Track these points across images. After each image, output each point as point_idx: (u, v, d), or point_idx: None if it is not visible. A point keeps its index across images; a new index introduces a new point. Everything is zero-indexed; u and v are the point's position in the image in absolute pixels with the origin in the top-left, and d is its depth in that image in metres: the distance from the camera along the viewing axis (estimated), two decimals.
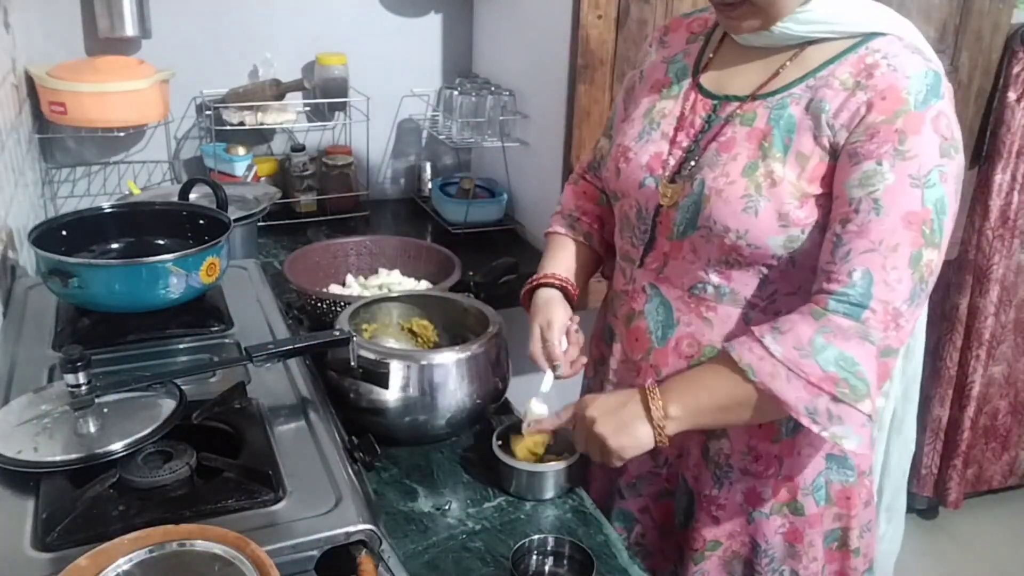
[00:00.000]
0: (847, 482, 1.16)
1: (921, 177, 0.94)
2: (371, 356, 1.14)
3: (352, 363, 1.12)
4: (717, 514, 1.17)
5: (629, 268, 1.17)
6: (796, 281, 1.04)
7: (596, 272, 1.30)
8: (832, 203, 0.98)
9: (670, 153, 1.10)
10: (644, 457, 1.12)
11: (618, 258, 1.22)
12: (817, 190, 0.99)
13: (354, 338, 1.11)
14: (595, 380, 1.30)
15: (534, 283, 1.24)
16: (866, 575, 1.22)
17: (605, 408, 1.04)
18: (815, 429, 0.95)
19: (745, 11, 1.02)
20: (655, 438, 1.01)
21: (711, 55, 1.13)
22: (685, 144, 1.09)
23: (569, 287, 1.23)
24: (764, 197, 1.00)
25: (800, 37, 1.02)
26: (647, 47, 1.24)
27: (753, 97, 1.05)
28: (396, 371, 1.14)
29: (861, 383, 0.94)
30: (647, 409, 1.01)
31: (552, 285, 1.22)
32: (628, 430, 1.02)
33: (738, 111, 1.06)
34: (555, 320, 1.18)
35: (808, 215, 0.99)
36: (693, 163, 1.07)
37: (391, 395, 1.15)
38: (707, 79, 1.12)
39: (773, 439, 1.12)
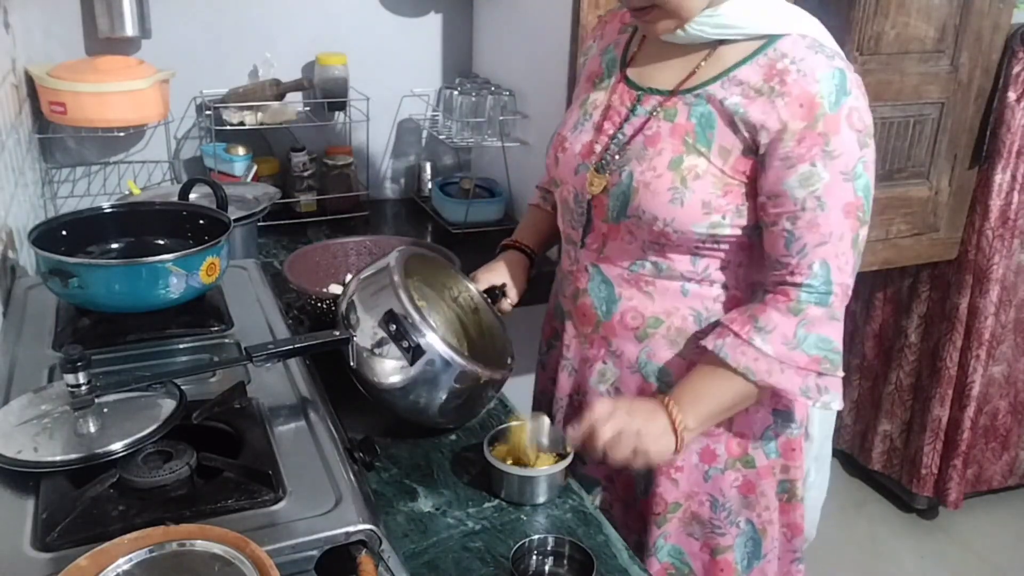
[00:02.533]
0: (792, 435, 1.26)
1: (850, 172, 1.06)
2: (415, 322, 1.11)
3: (352, 363, 1.11)
4: (676, 476, 1.24)
5: (572, 249, 1.27)
6: (726, 257, 1.16)
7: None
8: (768, 199, 1.08)
9: (596, 141, 1.20)
10: None
11: (563, 240, 1.32)
12: (737, 180, 1.10)
13: (354, 339, 1.11)
14: (550, 354, 1.40)
15: (504, 244, 1.44)
16: (802, 517, 1.33)
17: (633, 413, 1.10)
18: (809, 404, 1.11)
19: (657, 14, 1.10)
20: (676, 447, 1.11)
21: (636, 48, 1.22)
22: (611, 132, 1.18)
23: (527, 250, 1.43)
24: (689, 189, 1.10)
25: (712, 37, 1.10)
26: (590, 41, 1.33)
27: (673, 92, 1.14)
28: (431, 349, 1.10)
29: (836, 355, 1.10)
30: (672, 422, 1.10)
31: (516, 248, 1.43)
32: (661, 440, 1.10)
33: (660, 107, 1.14)
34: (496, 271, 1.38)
35: (730, 202, 1.10)
36: (618, 155, 1.16)
37: (407, 372, 1.10)
38: (633, 71, 1.21)
39: None
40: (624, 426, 1.08)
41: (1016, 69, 2.11)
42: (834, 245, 1.07)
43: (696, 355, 1.17)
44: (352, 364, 1.12)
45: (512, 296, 1.36)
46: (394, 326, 1.09)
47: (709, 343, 1.12)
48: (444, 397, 1.13)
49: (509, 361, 1.26)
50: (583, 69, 1.31)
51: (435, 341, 1.09)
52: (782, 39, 1.08)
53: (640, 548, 1.27)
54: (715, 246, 1.14)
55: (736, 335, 1.09)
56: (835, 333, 1.09)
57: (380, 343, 1.11)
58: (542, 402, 1.45)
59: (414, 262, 1.25)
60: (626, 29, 1.25)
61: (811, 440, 1.33)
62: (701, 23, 1.08)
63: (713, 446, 1.22)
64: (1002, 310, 2.39)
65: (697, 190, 1.09)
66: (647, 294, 1.19)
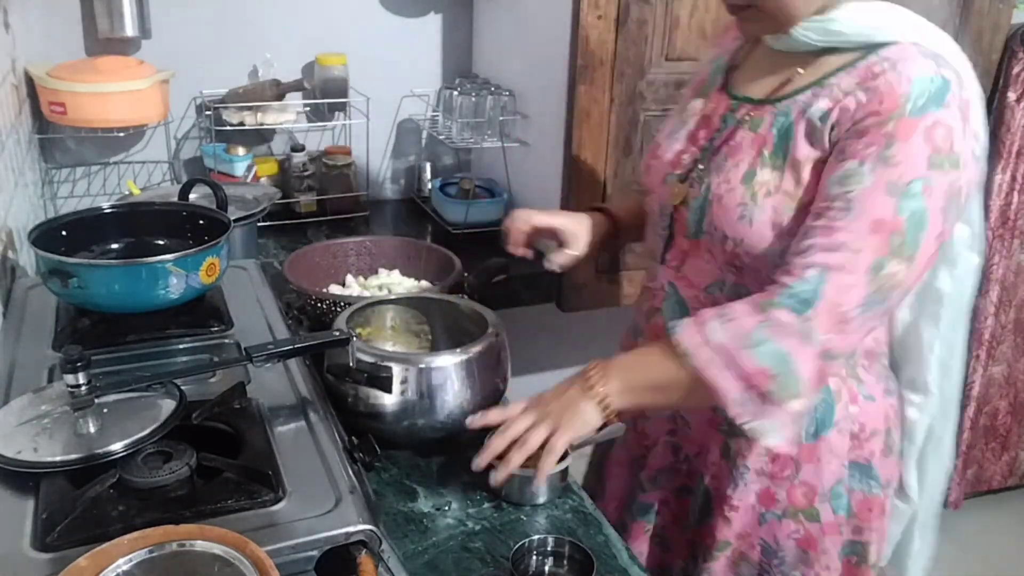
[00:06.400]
0: (870, 492, 1.14)
1: (901, 185, 0.90)
2: (371, 359, 1.14)
3: (351, 364, 1.11)
4: (730, 515, 1.16)
5: (653, 265, 1.21)
6: None
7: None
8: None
9: (686, 151, 1.12)
10: (665, 451, 1.22)
11: (648, 255, 1.24)
12: (812, 195, 0.98)
13: (354, 339, 1.11)
14: None
15: (590, 207, 1.33)
16: None
17: (555, 392, 1.05)
18: (739, 420, 0.96)
19: (751, 14, 1.02)
20: (601, 414, 1.02)
21: (743, 57, 1.14)
22: (702, 143, 1.11)
23: (611, 213, 1.31)
24: (759, 207, 1.00)
25: (819, 45, 1.00)
26: (708, 48, 1.27)
27: (764, 101, 1.05)
28: (396, 374, 1.13)
29: (793, 382, 0.93)
30: (589, 387, 1.02)
31: (598, 210, 1.31)
32: (573, 407, 1.02)
33: (748, 115, 1.06)
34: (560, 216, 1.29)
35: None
36: (702, 165, 1.08)
37: (391, 399, 1.14)
38: (735, 80, 1.12)
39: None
40: (538, 415, 1.03)
41: (1016, 69, 2.11)
42: (844, 257, 0.91)
43: None
44: (352, 365, 1.12)
45: (575, 248, 1.26)
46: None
47: (671, 324, 1.01)
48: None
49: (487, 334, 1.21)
50: (694, 76, 1.23)
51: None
52: (890, 46, 0.95)
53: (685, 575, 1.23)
54: None
55: (698, 317, 0.99)
56: (801, 355, 0.92)
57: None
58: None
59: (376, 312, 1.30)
60: (740, 39, 1.16)
61: (910, 502, 1.21)
62: (808, 28, 0.99)
63: (774, 490, 1.13)
64: (1002, 310, 2.39)
65: (767, 208, 0.99)
66: None
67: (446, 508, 1.09)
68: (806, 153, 0.98)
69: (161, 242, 1.34)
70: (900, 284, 0.93)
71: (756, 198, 1.00)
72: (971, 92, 0.95)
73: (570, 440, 1.03)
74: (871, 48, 0.96)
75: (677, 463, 1.24)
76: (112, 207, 1.35)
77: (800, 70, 1.02)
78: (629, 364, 1.05)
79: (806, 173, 0.98)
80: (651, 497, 1.27)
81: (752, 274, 1.04)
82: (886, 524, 1.18)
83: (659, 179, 1.15)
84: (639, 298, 1.29)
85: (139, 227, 1.35)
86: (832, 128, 0.96)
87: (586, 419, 1.02)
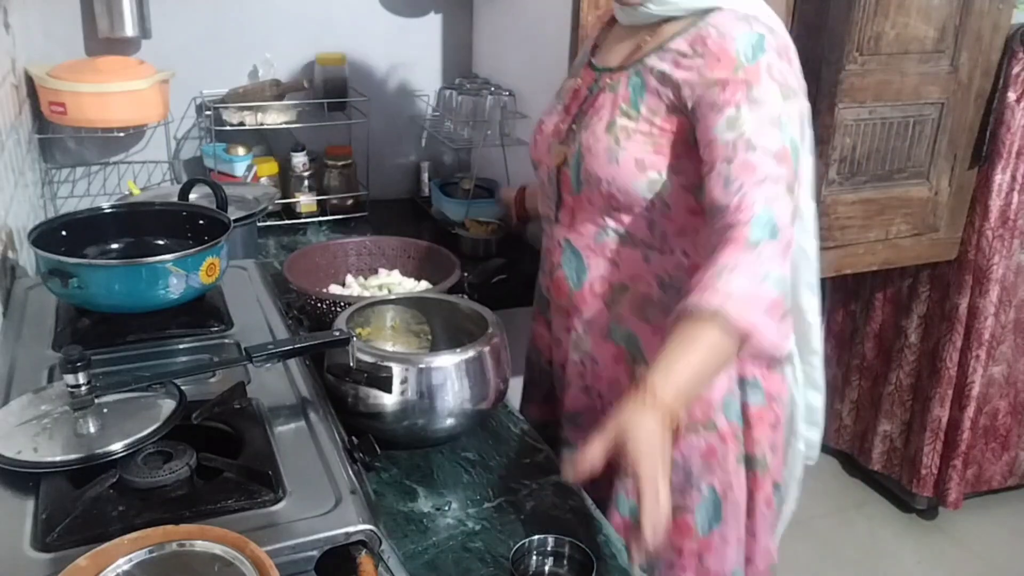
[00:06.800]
0: (758, 404, 1.26)
1: (776, 119, 1.07)
2: (371, 359, 1.14)
3: (351, 364, 1.12)
4: None
5: (549, 227, 1.34)
6: (679, 222, 1.18)
7: None
8: (703, 149, 1.10)
9: (564, 121, 1.28)
10: (578, 394, 1.34)
11: (543, 222, 1.37)
12: (665, 137, 1.14)
13: (354, 339, 1.11)
14: (536, 331, 1.46)
15: None
16: (774, 491, 1.32)
17: (624, 425, 0.95)
18: (775, 350, 1.10)
19: None
20: (668, 426, 0.95)
21: (603, 38, 1.31)
22: (574, 112, 1.27)
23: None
24: (622, 148, 1.16)
25: (659, 15, 1.17)
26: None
27: (619, 67, 1.22)
28: (396, 374, 1.13)
29: (788, 294, 1.08)
30: (650, 408, 0.95)
31: None
32: (650, 441, 0.93)
33: (608, 80, 1.22)
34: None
35: (662, 158, 1.14)
36: (575, 126, 1.25)
37: (391, 399, 1.14)
38: (598, 56, 1.29)
39: None
40: (616, 443, 0.94)
41: (1016, 69, 2.10)
42: (771, 186, 1.04)
43: (662, 320, 1.10)
44: (352, 365, 1.12)
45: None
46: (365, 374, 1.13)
47: (681, 305, 1.01)
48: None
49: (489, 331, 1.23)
50: (572, 67, 1.39)
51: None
52: (714, 13, 1.12)
53: (606, 503, 1.25)
54: (666, 210, 1.16)
55: (699, 286, 1.00)
56: (786, 270, 1.05)
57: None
58: (528, 373, 1.49)
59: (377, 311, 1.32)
60: (599, 24, 1.34)
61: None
62: (649, 5, 1.16)
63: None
64: (1002, 310, 2.39)
65: (629, 148, 1.15)
66: (612, 262, 1.24)
67: (446, 508, 1.09)
68: (656, 103, 1.15)
69: (161, 242, 1.34)
70: (798, 203, 1.12)
71: (619, 142, 1.16)
72: (785, 39, 1.13)
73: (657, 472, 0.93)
74: (699, 15, 1.14)
75: (591, 402, 1.33)
76: (112, 207, 1.35)
77: (648, 37, 1.19)
78: (671, 365, 0.99)
79: (660, 117, 1.14)
80: (571, 435, 1.36)
81: (628, 214, 1.19)
82: (770, 433, 1.28)
83: (545, 149, 1.31)
84: (541, 265, 1.41)
85: (139, 227, 1.35)
86: (676, 85, 1.12)
87: (656, 440, 0.94)
